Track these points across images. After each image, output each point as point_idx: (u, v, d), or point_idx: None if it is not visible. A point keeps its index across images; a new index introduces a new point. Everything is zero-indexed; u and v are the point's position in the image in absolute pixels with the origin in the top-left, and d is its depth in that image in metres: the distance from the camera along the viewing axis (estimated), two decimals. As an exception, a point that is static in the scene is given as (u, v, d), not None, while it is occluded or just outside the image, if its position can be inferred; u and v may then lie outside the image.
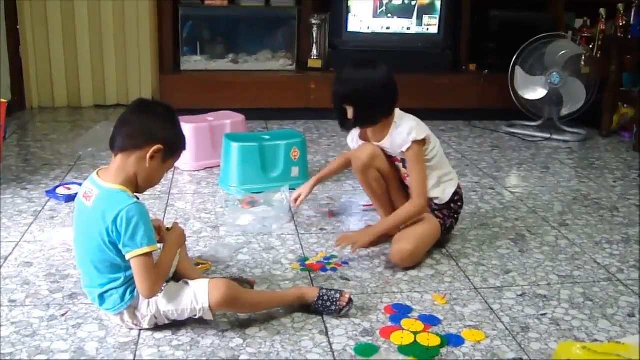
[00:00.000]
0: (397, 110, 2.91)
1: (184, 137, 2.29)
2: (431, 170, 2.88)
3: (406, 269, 2.75)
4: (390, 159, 2.99)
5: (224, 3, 5.27)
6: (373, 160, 2.96)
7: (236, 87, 5.18)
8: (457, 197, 2.99)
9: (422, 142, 2.82)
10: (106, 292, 2.20)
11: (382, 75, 2.84)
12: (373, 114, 2.87)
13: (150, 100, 2.38)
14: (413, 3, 5.32)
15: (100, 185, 2.17)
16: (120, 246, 2.11)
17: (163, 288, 2.22)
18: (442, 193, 2.93)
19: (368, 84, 2.81)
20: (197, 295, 2.19)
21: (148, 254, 2.11)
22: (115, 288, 2.19)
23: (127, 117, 2.22)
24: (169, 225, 2.42)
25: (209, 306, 2.19)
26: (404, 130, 2.82)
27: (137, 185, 2.21)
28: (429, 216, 2.89)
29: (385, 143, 2.92)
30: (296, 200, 3.15)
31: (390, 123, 2.88)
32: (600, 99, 5.06)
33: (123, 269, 2.18)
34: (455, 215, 3.00)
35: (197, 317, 2.23)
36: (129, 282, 2.19)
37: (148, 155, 2.16)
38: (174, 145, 2.25)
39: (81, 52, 5.35)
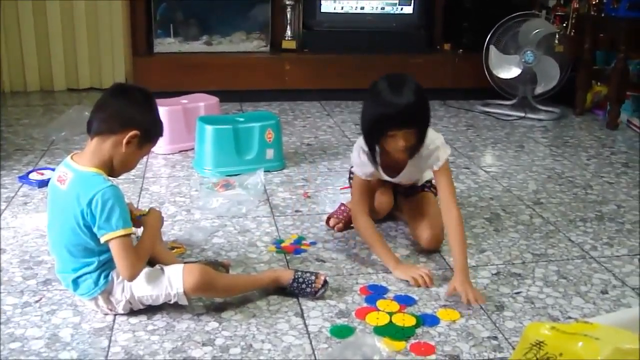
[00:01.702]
0: None
1: (161, 123, 2.29)
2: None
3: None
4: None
5: (197, -16, 5.23)
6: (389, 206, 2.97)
7: (210, 69, 5.14)
8: None
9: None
10: (80, 277, 2.19)
11: (418, 83, 2.55)
12: (425, 133, 2.57)
13: (128, 85, 2.38)
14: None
15: (75, 169, 2.15)
16: (95, 229, 2.10)
17: None
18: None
19: (422, 99, 2.50)
20: (172, 281, 2.19)
21: (124, 236, 2.10)
22: (89, 273, 2.18)
23: (105, 101, 2.21)
24: (144, 209, 2.40)
25: (184, 291, 2.18)
26: (436, 147, 2.63)
27: (112, 169, 2.20)
28: (429, 195, 2.89)
29: (410, 170, 2.72)
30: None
31: None
32: (574, 77, 5.08)
33: (97, 253, 2.16)
34: None
35: (171, 302, 2.22)
36: (103, 266, 2.18)
37: (124, 141, 2.15)
38: (151, 131, 2.24)
39: (53, 35, 5.29)
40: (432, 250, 2.76)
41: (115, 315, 2.24)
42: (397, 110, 2.42)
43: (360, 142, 2.66)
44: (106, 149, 2.16)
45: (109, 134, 2.16)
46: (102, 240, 2.10)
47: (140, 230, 2.34)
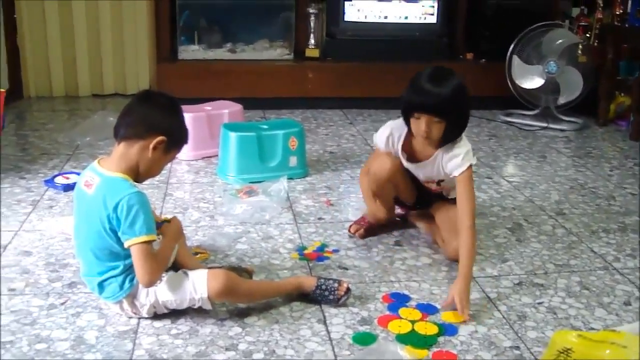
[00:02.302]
0: None
1: (186, 129, 2.31)
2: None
3: (404, 258, 2.77)
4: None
5: (221, -8, 5.27)
6: (394, 175, 2.84)
7: (234, 76, 5.17)
8: None
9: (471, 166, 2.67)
10: (105, 280, 2.22)
11: (465, 84, 2.60)
12: (461, 128, 2.64)
13: (154, 91, 2.41)
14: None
15: (102, 174, 2.18)
16: (119, 233, 2.12)
17: (162, 278, 2.23)
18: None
19: (461, 95, 2.57)
20: (196, 286, 2.21)
21: (147, 243, 2.12)
22: (115, 276, 2.21)
23: (132, 107, 2.24)
24: (168, 217, 2.43)
25: (208, 296, 2.20)
26: (461, 153, 2.63)
27: (137, 174, 2.22)
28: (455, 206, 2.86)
29: (431, 166, 2.73)
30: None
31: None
32: (597, 87, 5.06)
33: (122, 257, 2.19)
34: None
35: (195, 307, 2.24)
36: (128, 270, 2.20)
37: (151, 146, 2.18)
38: (177, 138, 2.27)
39: (78, 41, 5.34)
40: (456, 260, 2.75)
41: (139, 318, 2.26)
42: (427, 94, 2.53)
43: (392, 123, 2.81)
44: (133, 154, 2.19)
45: (135, 139, 2.19)
46: (126, 245, 2.13)
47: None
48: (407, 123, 2.67)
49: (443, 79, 2.55)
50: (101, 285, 2.23)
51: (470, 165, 2.63)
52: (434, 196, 2.94)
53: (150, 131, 2.18)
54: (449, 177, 2.71)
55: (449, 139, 2.63)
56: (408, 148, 2.78)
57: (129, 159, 2.19)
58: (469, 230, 2.53)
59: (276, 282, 2.53)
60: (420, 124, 2.56)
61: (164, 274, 2.24)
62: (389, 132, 2.79)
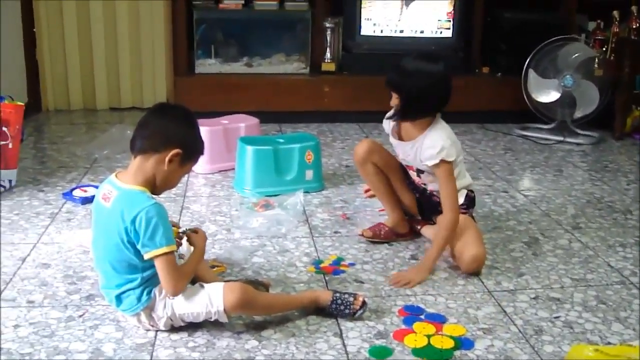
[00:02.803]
0: (439, 118, 2.88)
1: (202, 141, 2.33)
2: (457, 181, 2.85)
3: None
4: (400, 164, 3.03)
5: (238, 6, 5.29)
6: (370, 155, 3.00)
7: (250, 90, 5.20)
8: (467, 201, 2.98)
9: (451, 162, 2.77)
10: (123, 292, 2.23)
11: (439, 72, 2.80)
12: (416, 110, 2.82)
13: (170, 104, 2.42)
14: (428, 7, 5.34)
15: (119, 187, 2.20)
16: (139, 246, 2.14)
17: None
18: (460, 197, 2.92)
19: (421, 77, 2.76)
20: (212, 298, 2.22)
21: (168, 254, 2.15)
22: (132, 289, 2.22)
23: (147, 120, 2.26)
24: (184, 228, 2.44)
25: (224, 309, 2.21)
26: (435, 145, 2.75)
27: (154, 187, 2.24)
28: (466, 217, 2.89)
29: (410, 147, 2.86)
30: None
31: (426, 126, 2.83)
32: (613, 101, 5.05)
33: (140, 269, 2.20)
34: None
35: (212, 319, 2.25)
36: (146, 283, 2.22)
37: (167, 159, 2.20)
38: (193, 150, 2.29)
39: (96, 55, 5.38)
40: (472, 273, 2.77)
41: (156, 331, 2.27)
42: (393, 69, 2.82)
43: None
44: (149, 167, 2.21)
45: (151, 153, 2.20)
46: (146, 257, 2.14)
47: (182, 249, 2.39)
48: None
49: (418, 60, 2.80)
50: (119, 298, 2.25)
51: (447, 162, 2.73)
52: (434, 203, 2.96)
53: (165, 144, 2.20)
54: (423, 165, 2.83)
55: (403, 115, 2.84)
56: (399, 127, 2.95)
57: (145, 172, 2.21)
58: (449, 223, 2.74)
59: (292, 295, 2.54)
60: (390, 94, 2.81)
61: None
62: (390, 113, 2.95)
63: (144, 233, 2.12)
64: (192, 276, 2.31)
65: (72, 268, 2.74)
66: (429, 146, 2.77)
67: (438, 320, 2.40)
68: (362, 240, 3.06)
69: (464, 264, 2.75)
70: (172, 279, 2.17)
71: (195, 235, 2.38)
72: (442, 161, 2.73)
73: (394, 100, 2.81)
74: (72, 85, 5.42)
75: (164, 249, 2.13)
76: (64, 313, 2.39)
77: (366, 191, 3.22)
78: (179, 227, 2.46)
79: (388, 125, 3.01)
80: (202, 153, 2.34)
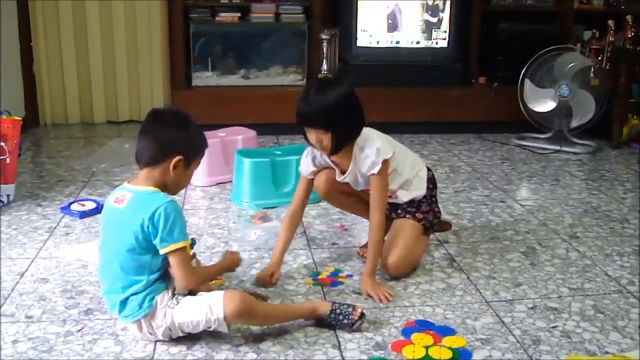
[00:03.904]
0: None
1: (200, 138, 2.37)
2: (398, 176, 2.84)
3: (417, 283, 2.78)
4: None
5: (234, 19, 5.31)
6: (332, 185, 2.89)
7: (247, 102, 5.21)
8: (430, 184, 2.97)
9: (388, 160, 2.73)
10: (128, 297, 2.23)
11: (351, 90, 2.67)
12: (350, 136, 2.70)
13: (162, 110, 2.42)
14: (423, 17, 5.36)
15: (133, 190, 2.26)
16: (156, 241, 2.18)
17: (180, 300, 2.26)
18: (419, 187, 2.92)
19: (343, 104, 2.61)
20: (212, 307, 2.23)
21: (183, 249, 2.22)
22: (137, 293, 2.22)
23: (144, 131, 2.31)
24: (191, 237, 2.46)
25: (224, 317, 2.22)
26: (371, 152, 2.68)
27: (167, 189, 2.30)
28: (406, 221, 2.89)
29: (353, 172, 2.77)
30: (272, 276, 2.76)
31: (352, 146, 2.72)
32: (609, 110, 5.07)
33: (148, 271, 2.23)
34: (433, 199, 2.99)
35: (211, 328, 2.26)
36: (150, 287, 2.24)
37: (171, 167, 2.25)
38: (193, 151, 2.34)
39: (94, 69, 5.40)
40: (396, 275, 2.81)
41: (155, 344, 2.28)
42: (305, 108, 2.62)
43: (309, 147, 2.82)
44: (157, 176, 2.27)
45: (155, 164, 2.26)
46: (163, 251, 2.19)
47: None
48: (305, 137, 2.72)
49: (321, 91, 2.63)
50: (123, 303, 2.25)
51: (385, 160, 2.69)
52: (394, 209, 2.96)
53: (165, 154, 2.25)
54: (367, 177, 2.75)
55: (340, 147, 2.68)
56: (333, 162, 2.83)
57: (155, 179, 2.27)
58: (378, 225, 2.72)
59: (292, 306, 2.55)
60: (311, 135, 2.65)
61: (181, 297, 2.27)
62: (309, 152, 2.86)
63: (162, 228, 2.16)
64: (205, 281, 2.40)
65: (71, 282, 2.74)
66: (366, 156, 2.69)
67: (449, 333, 2.40)
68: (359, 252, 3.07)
69: (385, 268, 2.80)
70: (186, 271, 2.23)
71: (230, 253, 2.60)
72: (384, 161, 2.69)
73: (319, 138, 2.63)
74: (69, 99, 5.44)
75: (181, 244, 2.20)
76: (62, 328, 2.39)
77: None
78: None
79: (311, 166, 2.86)
80: (205, 148, 2.40)
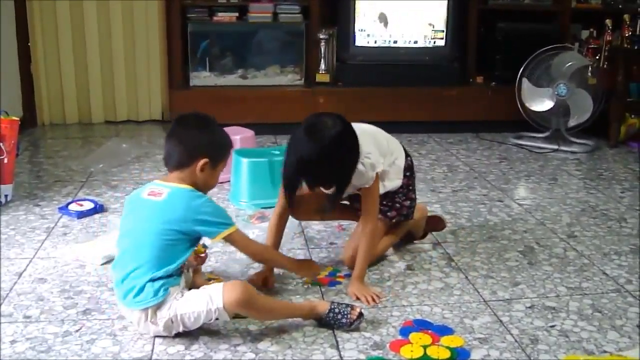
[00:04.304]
0: None
1: (224, 138, 2.49)
2: (384, 175, 2.84)
3: (415, 282, 2.78)
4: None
5: (232, 19, 5.31)
6: (303, 206, 2.84)
7: (245, 102, 5.21)
8: (407, 172, 2.98)
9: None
10: (145, 284, 2.25)
11: (345, 130, 2.54)
12: (346, 178, 2.59)
13: (187, 114, 2.50)
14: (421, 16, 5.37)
15: (170, 186, 2.35)
16: (209, 231, 2.31)
17: (184, 292, 2.30)
18: (395, 178, 2.92)
19: (341, 153, 2.51)
20: (212, 297, 2.25)
21: (237, 230, 2.37)
22: (154, 280, 2.25)
23: (171, 136, 2.41)
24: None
25: (223, 306, 2.23)
26: (365, 169, 2.63)
27: (197, 188, 2.38)
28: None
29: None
30: (265, 281, 2.72)
31: None
32: (607, 109, 5.07)
33: (171, 260, 2.28)
34: (410, 187, 3.01)
35: (212, 320, 2.27)
36: (169, 277, 2.28)
37: (198, 169, 2.35)
38: (218, 153, 2.44)
39: (91, 69, 5.40)
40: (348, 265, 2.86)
41: (153, 344, 2.28)
42: (309, 172, 2.55)
43: None
44: (187, 177, 2.37)
45: (183, 168, 2.36)
46: (220, 237, 2.33)
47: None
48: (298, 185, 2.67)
49: (323, 139, 2.49)
50: (141, 289, 2.25)
51: (377, 173, 2.70)
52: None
53: (192, 158, 2.35)
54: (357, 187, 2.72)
55: (344, 190, 2.65)
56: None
57: (185, 180, 2.36)
58: (372, 233, 2.75)
59: (291, 303, 2.58)
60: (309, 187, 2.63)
61: (185, 289, 2.33)
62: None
63: (214, 218, 2.31)
64: (268, 261, 2.67)
65: (69, 282, 2.74)
66: (360, 173, 2.63)
67: (447, 332, 2.40)
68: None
69: (345, 258, 2.91)
70: (252, 243, 2.47)
71: (312, 262, 2.83)
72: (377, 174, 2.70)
73: (323, 188, 2.61)
74: (67, 99, 5.44)
75: (233, 227, 2.35)
76: (60, 328, 2.39)
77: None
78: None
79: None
80: (230, 148, 2.53)
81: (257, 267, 2.89)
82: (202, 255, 2.64)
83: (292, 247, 3.12)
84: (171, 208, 2.29)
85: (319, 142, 2.48)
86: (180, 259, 2.29)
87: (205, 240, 2.47)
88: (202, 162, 2.34)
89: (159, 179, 2.42)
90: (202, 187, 2.39)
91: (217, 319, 2.28)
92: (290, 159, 2.57)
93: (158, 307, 2.26)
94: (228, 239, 2.36)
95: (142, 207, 2.35)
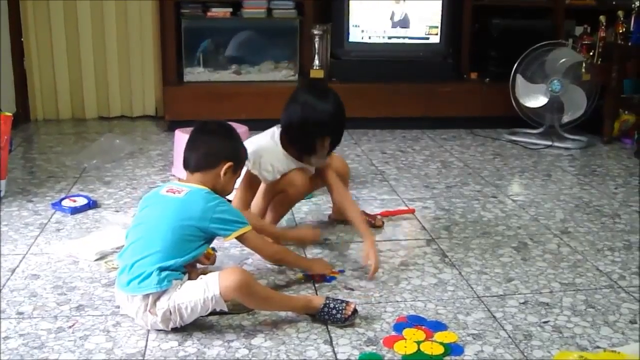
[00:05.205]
0: None
1: (244, 147, 2.64)
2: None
3: (409, 278, 2.78)
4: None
5: (226, 14, 5.31)
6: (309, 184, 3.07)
7: (239, 98, 5.20)
8: None
9: None
10: (152, 272, 2.27)
11: (336, 96, 2.94)
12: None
13: (210, 123, 2.62)
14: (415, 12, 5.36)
15: (189, 186, 2.45)
16: (227, 228, 2.39)
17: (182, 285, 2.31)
18: None
19: (341, 110, 2.92)
20: (209, 284, 2.27)
21: (252, 230, 2.47)
22: (162, 269, 2.27)
23: (195, 140, 2.53)
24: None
25: (220, 293, 2.24)
26: None
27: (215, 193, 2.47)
28: None
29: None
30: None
31: None
32: (601, 105, 5.08)
33: (182, 254, 2.33)
34: None
35: (209, 309, 2.27)
36: (176, 270, 2.31)
37: (222, 173, 2.47)
38: (240, 158, 2.60)
39: (85, 65, 5.38)
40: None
41: (146, 340, 2.27)
42: (338, 117, 2.90)
43: (259, 157, 2.88)
44: (208, 180, 2.47)
45: (207, 170, 2.47)
46: (234, 235, 2.41)
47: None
48: (311, 147, 2.90)
49: (331, 95, 2.93)
50: (148, 275, 2.26)
51: None
52: None
53: (218, 161, 2.47)
54: None
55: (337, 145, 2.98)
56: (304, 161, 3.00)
57: (205, 184, 2.46)
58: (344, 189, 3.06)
59: (287, 295, 2.59)
60: (325, 147, 2.90)
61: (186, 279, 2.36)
62: (267, 166, 2.90)
63: (230, 218, 2.40)
64: (282, 260, 2.76)
65: (62, 279, 2.73)
66: None
67: (441, 328, 2.40)
68: (352, 247, 3.07)
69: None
70: (266, 244, 2.62)
71: (310, 227, 3.06)
72: None
73: (327, 143, 2.90)
74: (60, 95, 5.42)
75: (248, 227, 2.44)
76: (53, 324, 2.39)
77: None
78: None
79: (275, 171, 2.93)
80: (247, 157, 2.68)
81: (250, 264, 2.89)
82: (211, 256, 2.74)
83: (286, 243, 3.11)
84: (190, 205, 2.36)
85: (338, 99, 2.93)
86: (192, 254, 2.36)
87: (214, 243, 2.56)
88: (226, 165, 2.47)
89: (178, 180, 2.48)
90: (221, 191, 2.49)
91: (214, 310, 2.29)
92: (314, 119, 2.84)
93: (158, 297, 2.27)
94: (242, 238, 2.45)
95: (161, 202, 2.43)
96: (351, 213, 2.97)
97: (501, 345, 2.30)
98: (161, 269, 2.27)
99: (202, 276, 2.35)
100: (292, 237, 3.02)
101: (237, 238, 2.43)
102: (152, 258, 2.29)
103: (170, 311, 2.27)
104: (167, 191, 2.44)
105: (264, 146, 2.95)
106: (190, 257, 2.35)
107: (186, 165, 2.52)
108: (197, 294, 2.26)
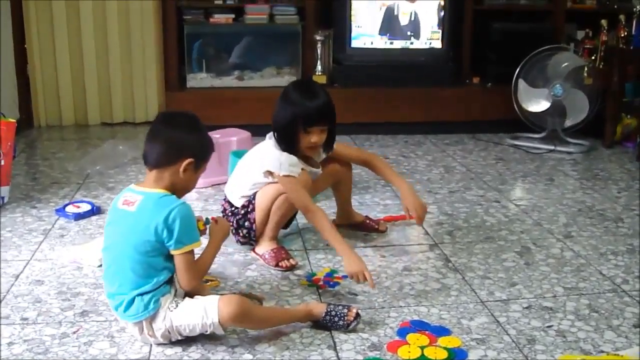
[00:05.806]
0: None
1: (209, 141, 2.41)
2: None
3: (412, 283, 2.79)
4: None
5: (228, 20, 5.31)
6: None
7: (242, 103, 5.21)
8: None
9: None
10: (134, 298, 2.23)
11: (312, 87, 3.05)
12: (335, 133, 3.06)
13: (172, 113, 2.51)
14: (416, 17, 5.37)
15: (143, 192, 2.29)
16: (170, 243, 2.22)
17: (178, 303, 2.27)
18: None
19: (310, 95, 2.94)
20: (207, 311, 2.23)
21: (192, 251, 2.27)
22: (143, 294, 2.23)
23: (155, 132, 2.35)
24: (205, 217, 2.50)
25: (219, 321, 2.22)
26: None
27: (174, 192, 2.32)
28: None
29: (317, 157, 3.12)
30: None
31: None
32: (603, 110, 5.08)
33: (157, 272, 2.25)
34: None
35: (207, 332, 2.26)
36: (158, 289, 2.25)
37: (181, 170, 2.29)
38: (202, 154, 2.38)
39: (88, 71, 5.38)
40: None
41: (151, 346, 2.28)
42: (326, 106, 2.91)
43: (275, 158, 2.92)
44: (167, 178, 2.30)
45: (165, 166, 2.30)
46: (174, 252, 2.23)
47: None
48: (292, 141, 2.92)
49: (317, 89, 2.97)
50: (130, 303, 2.24)
51: None
52: None
53: (177, 156, 2.29)
54: None
55: (333, 138, 3.05)
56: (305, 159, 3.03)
57: (164, 182, 2.30)
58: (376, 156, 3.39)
59: (287, 309, 2.55)
60: (311, 136, 2.89)
61: (179, 300, 2.28)
62: (290, 165, 2.91)
63: (178, 230, 2.20)
64: (207, 270, 2.43)
65: (66, 284, 2.74)
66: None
67: (444, 333, 2.40)
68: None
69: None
70: (190, 273, 2.27)
71: (214, 226, 2.49)
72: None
73: (322, 134, 2.94)
74: (64, 101, 5.42)
75: (193, 245, 2.26)
76: (58, 330, 2.39)
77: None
78: (202, 219, 2.48)
79: (281, 166, 2.91)
80: (212, 152, 2.43)
81: (253, 269, 2.90)
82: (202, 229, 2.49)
83: (289, 248, 3.11)
84: (142, 220, 2.22)
85: (323, 90, 2.96)
86: (165, 269, 2.26)
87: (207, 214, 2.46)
88: (186, 162, 2.29)
89: (136, 183, 2.36)
90: (181, 189, 2.34)
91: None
92: (280, 108, 2.97)
93: (152, 319, 2.25)
94: (178, 256, 2.25)
95: (119, 219, 2.31)
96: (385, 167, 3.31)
97: (505, 350, 2.30)
98: (142, 294, 2.23)
99: (199, 297, 2.30)
100: (210, 254, 2.45)
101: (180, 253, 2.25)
102: (127, 285, 2.25)
103: (168, 331, 2.26)
104: (123, 203, 2.29)
105: (273, 152, 2.95)
106: (167, 273, 2.27)
107: (145, 161, 2.34)
108: (196, 318, 2.24)
